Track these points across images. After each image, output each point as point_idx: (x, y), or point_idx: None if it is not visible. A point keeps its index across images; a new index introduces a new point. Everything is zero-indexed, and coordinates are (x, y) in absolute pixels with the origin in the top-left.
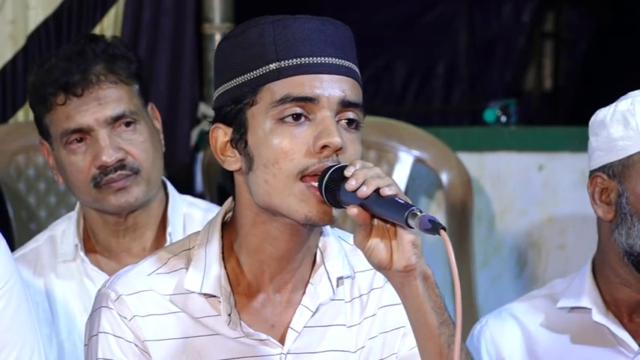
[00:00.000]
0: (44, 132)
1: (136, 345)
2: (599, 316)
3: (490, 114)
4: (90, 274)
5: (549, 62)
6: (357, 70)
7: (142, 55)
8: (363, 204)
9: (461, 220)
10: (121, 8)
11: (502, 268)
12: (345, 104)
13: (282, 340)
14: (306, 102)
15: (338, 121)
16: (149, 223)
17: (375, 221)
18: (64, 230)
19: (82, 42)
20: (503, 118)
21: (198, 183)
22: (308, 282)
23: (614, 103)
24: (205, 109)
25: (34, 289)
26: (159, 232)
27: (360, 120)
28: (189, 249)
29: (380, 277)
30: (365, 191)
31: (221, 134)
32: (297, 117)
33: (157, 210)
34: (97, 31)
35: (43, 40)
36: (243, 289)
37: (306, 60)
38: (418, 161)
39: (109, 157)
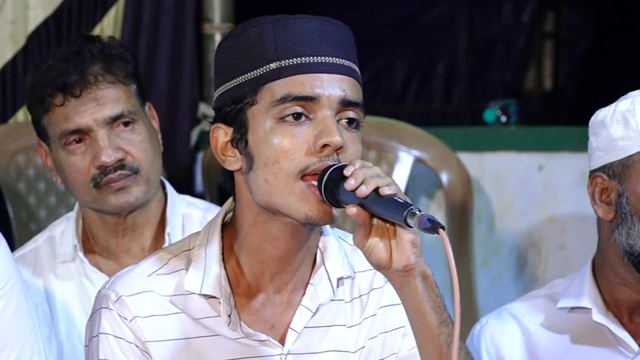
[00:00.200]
0: (42, 133)
1: (136, 346)
2: (599, 316)
3: (490, 114)
4: (89, 274)
5: (549, 62)
6: (357, 69)
7: (142, 55)
8: (362, 203)
9: (461, 220)
10: (121, 8)
11: (502, 268)
12: (346, 103)
13: (282, 341)
14: (306, 101)
15: (338, 121)
16: (148, 223)
17: (375, 221)
18: (63, 231)
19: (79, 42)
20: (503, 118)
21: (198, 183)
22: (308, 282)
23: (614, 103)
24: (205, 109)
25: (34, 290)
26: (158, 232)
27: (360, 119)
28: (189, 249)
29: (380, 277)
30: (364, 190)
31: (221, 134)
32: (297, 116)
33: (156, 210)
34: (97, 31)
35: (43, 40)
36: (243, 290)
37: (307, 59)
38: (418, 161)
39: (108, 157)
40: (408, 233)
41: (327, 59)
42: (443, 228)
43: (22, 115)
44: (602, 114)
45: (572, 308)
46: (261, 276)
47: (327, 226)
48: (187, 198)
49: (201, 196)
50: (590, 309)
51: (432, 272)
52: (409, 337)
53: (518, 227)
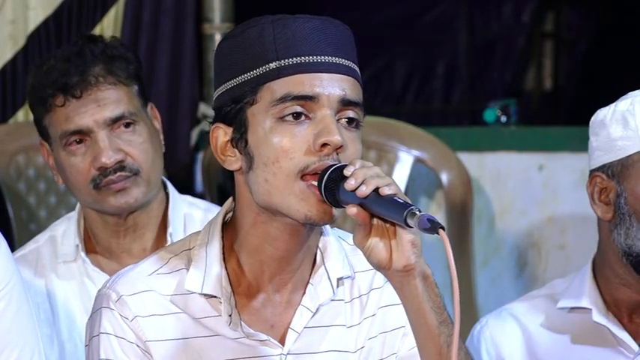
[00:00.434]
0: (44, 133)
1: (137, 346)
2: (599, 317)
3: (490, 114)
4: (91, 274)
5: (549, 62)
6: (356, 69)
7: (142, 55)
8: (362, 203)
9: (461, 220)
10: (121, 8)
11: (502, 268)
12: (345, 103)
13: (282, 341)
14: (306, 100)
15: (338, 120)
16: (149, 223)
17: (375, 221)
18: (65, 230)
19: (81, 43)
20: (503, 118)
21: (198, 183)
22: (308, 282)
23: (614, 103)
24: (205, 109)
25: (35, 290)
26: (159, 233)
27: (360, 119)
28: (190, 249)
29: (380, 277)
30: (364, 190)
31: (221, 134)
32: (297, 116)
33: (158, 210)
34: (97, 31)
35: (43, 40)
36: (243, 290)
37: (306, 59)
38: (418, 161)
39: (108, 158)
40: (408, 233)
41: (327, 59)
42: (443, 228)
43: (22, 115)
44: (602, 114)
45: (572, 308)
46: (260, 276)
47: (327, 226)
48: (189, 198)
49: (201, 196)
50: (590, 309)
51: (432, 272)
52: (409, 337)
53: (518, 227)
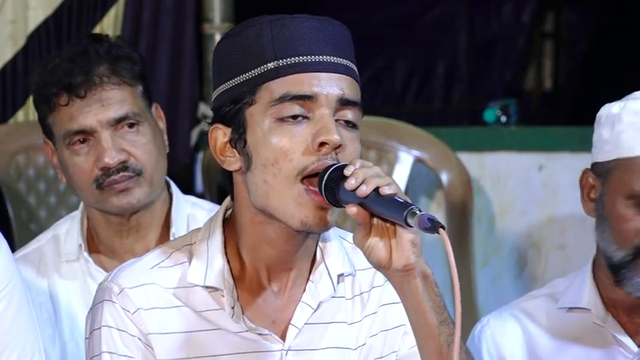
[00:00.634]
0: (48, 132)
1: (139, 339)
2: (598, 317)
3: (490, 114)
4: (93, 274)
5: (549, 62)
6: (355, 68)
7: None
8: (362, 203)
9: (461, 220)
10: (121, 8)
11: (502, 268)
12: (344, 102)
13: (283, 337)
14: (304, 100)
15: (337, 120)
16: (152, 223)
17: (375, 220)
18: (68, 230)
19: (86, 42)
20: (503, 118)
21: (199, 183)
22: (308, 279)
23: (618, 101)
24: (205, 109)
25: (38, 290)
26: (162, 233)
27: (358, 118)
28: (191, 244)
29: (381, 276)
30: (364, 190)
31: (220, 134)
32: (295, 116)
33: (161, 210)
34: (96, 31)
35: (43, 40)
36: (245, 284)
37: (304, 59)
38: (418, 161)
39: (111, 158)
40: (408, 233)
41: (325, 58)
42: (443, 228)
43: (22, 115)
44: (603, 110)
45: (572, 308)
46: (261, 271)
47: None
48: (192, 199)
49: (201, 196)
50: (590, 309)
51: (432, 272)
52: (409, 336)
53: (518, 227)
